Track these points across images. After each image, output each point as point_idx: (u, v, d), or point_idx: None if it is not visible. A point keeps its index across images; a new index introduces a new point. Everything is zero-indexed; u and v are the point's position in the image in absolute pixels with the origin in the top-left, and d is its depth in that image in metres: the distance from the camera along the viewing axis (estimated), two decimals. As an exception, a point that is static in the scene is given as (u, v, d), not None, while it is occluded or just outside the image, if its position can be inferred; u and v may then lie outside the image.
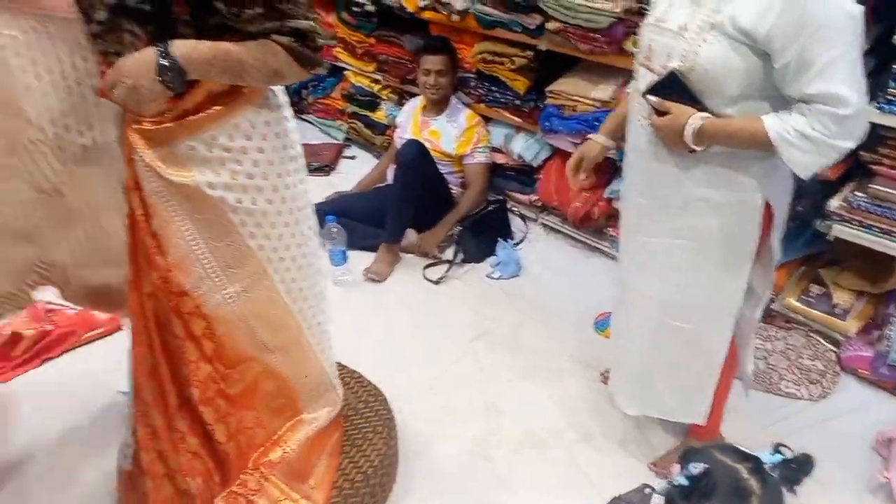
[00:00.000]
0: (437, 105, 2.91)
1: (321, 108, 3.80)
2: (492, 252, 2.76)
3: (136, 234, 1.31)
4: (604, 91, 2.50)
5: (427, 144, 2.78)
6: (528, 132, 2.87)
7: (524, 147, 2.84)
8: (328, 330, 1.57)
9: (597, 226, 2.76)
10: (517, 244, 2.84)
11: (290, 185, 1.32)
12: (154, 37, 1.11)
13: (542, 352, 2.25)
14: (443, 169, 2.86)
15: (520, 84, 2.75)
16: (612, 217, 2.68)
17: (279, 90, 1.29)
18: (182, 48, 1.09)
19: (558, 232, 2.92)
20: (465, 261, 2.74)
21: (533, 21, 2.54)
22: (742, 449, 1.37)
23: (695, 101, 1.31)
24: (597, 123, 2.48)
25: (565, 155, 2.75)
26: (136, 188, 1.25)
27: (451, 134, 2.87)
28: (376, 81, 3.43)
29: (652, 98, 1.36)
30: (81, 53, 1.33)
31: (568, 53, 2.53)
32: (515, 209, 3.02)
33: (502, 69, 2.77)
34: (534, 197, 2.93)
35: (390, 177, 2.90)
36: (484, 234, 2.79)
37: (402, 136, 2.97)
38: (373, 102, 3.47)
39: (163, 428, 1.42)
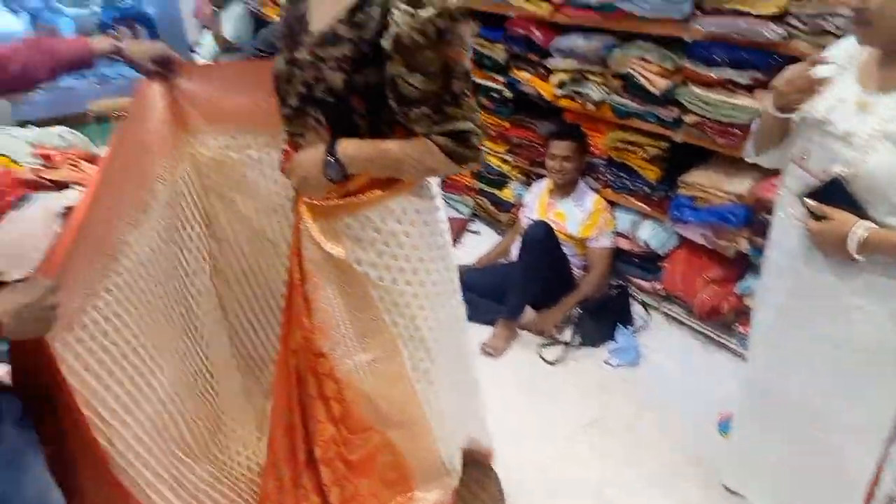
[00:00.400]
0: (564, 188, 2.96)
1: (450, 183, 3.97)
2: (611, 337, 2.72)
3: (292, 295, 1.44)
4: (739, 185, 2.46)
5: (552, 225, 2.84)
6: (656, 220, 2.85)
7: (652, 235, 2.83)
8: (457, 418, 1.58)
9: (724, 321, 2.66)
10: (637, 331, 2.79)
11: (432, 270, 1.39)
12: (333, 123, 1.26)
13: (657, 446, 2.17)
14: (566, 251, 2.89)
15: (651, 173, 2.77)
16: (742, 313, 2.58)
17: (434, 181, 1.40)
18: (347, 148, 1.24)
19: (681, 323, 2.84)
20: (582, 344, 2.72)
21: (670, 114, 2.57)
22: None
23: (857, 209, 1.27)
24: (731, 217, 2.45)
25: (693, 245, 2.72)
26: (297, 254, 1.39)
27: (577, 217, 2.91)
28: (506, 162, 3.56)
29: (811, 202, 1.33)
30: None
31: (704, 146, 2.54)
32: (637, 296, 2.98)
33: (634, 157, 2.80)
34: (658, 285, 2.89)
35: (513, 254, 2.97)
36: (603, 319, 2.76)
37: (528, 216, 3.04)
38: (501, 181, 3.59)
39: (289, 482, 1.50)
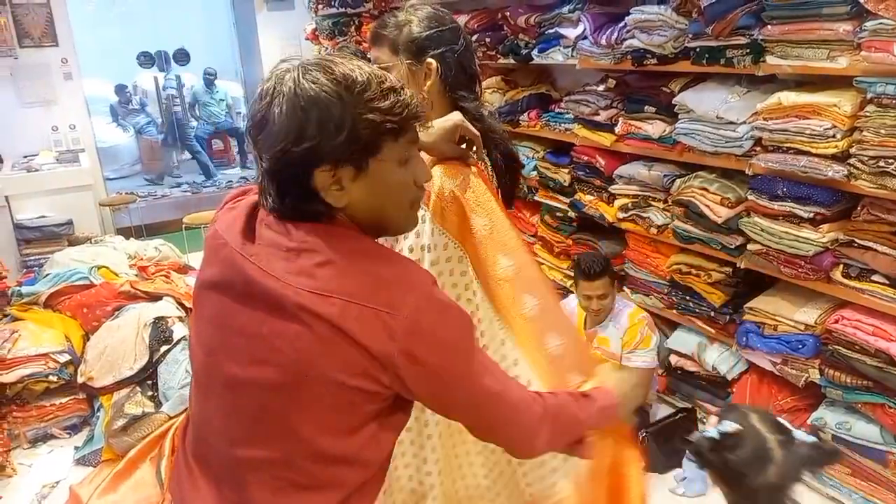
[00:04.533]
0: (601, 315, 2.88)
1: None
2: (678, 464, 2.66)
3: None
4: (808, 315, 2.45)
5: (598, 352, 2.79)
6: (723, 343, 2.84)
7: (719, 359, 2.80)
8: None
9: (798, 453, 2.57)
10: (706, 460, 2.70)
11: None
12: None
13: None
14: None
15: (715, 297, 2.78)
16: (817, 446, 2.49)
17: None
18: None
19: (753, 452, 2.74)
20: (647, 470, 2.65)
21: (733, 241, 2.62)
22: (780, 421, 1.33)
23: None
24: (800, 347, 2.43)
25: (762, 371, 2.68)
26: None
27: (617, 336, 2.83)
28: (568, 276, 3.63)
29: None
30: None
31: (769, 274, 2.56)
32: (706, 420, 2.92)
33: (698, 281, 2.83)
34: (726, 410, 2.82)
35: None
36: (669, 444, 2.71)
37: None
38: (564, 296, 3.65)
39: None
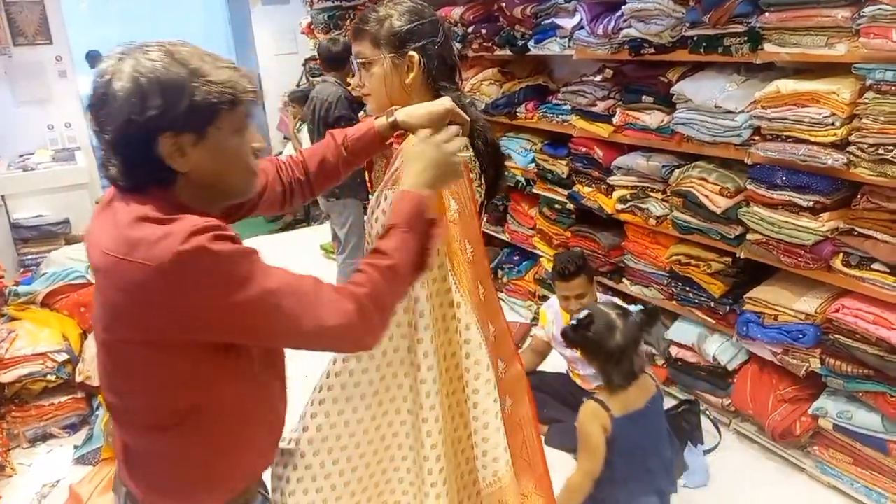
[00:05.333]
0: None
1: (513, 289, 4.05)
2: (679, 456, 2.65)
3: None
4: (808, 304, 2.43)
5: None
6: (724, 333, 2.82)
7: (720, 350, 2.79)
8: None
9: (797, 443, 2.57)
10: (708, 451, 2.70)
11: None
12: None
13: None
14: None
15: (715, 287, 2.77)
16: (817, 435, 2.48)
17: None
18: None
19: (753, 441, 2.74)
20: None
21: (732, 231, 2.60)
22: (617, 301, 2.08)
23: None
24: (801, 336, 2.41)
25: (763, 361, 2.67)
26: None
27: None
28: (569, 269, 3.62)
29: None
30: None
31: (769, 264, 2.54)
32: (708, 412, 2.91)
33: (697, 272, 2.82)
34: (727, 401, 2.82)
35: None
36: (672, 436, 2.70)
37: (562, 350, 2.87)
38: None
39: None
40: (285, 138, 6.59)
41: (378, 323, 1.11)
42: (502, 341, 1.51)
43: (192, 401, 1.06)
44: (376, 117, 1.42)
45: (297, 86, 6.42)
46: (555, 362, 3.09)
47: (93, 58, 6.87)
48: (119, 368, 1.07)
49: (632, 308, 1.96)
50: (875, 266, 2.20)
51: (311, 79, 6.19)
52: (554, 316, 2.92)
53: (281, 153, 6.17)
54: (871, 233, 2.18)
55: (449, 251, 1.38)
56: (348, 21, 5.13)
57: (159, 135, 0.97)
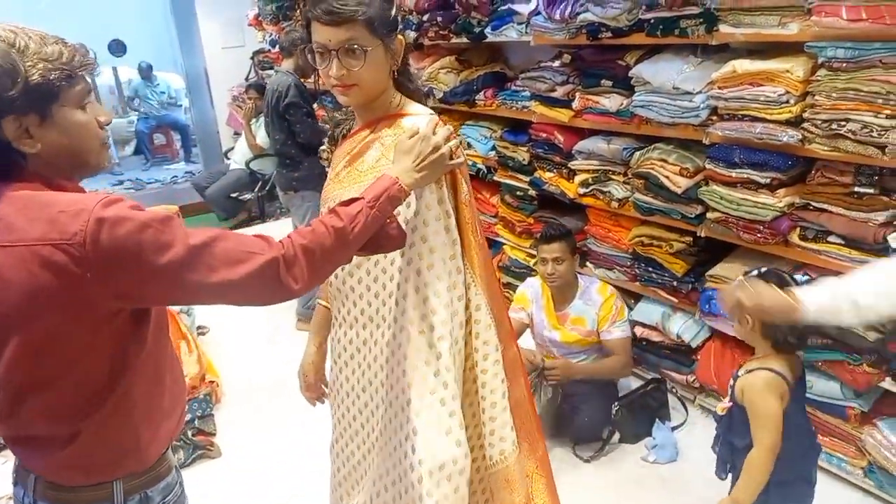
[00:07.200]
0: (565, 292, 2.84)
1: (477, 277, 4.05)
2: (648, 433, 2.70)
3: None
4: (768, 278, 2.50)
5: (574, 333, 2.79)
6: (687, 312, 2.88)
7: (683, 328, 2.85)
8: None
9: (763, 414, 2.64)
10: (677, 427, 2.76)
11: None
12: None
13: (706, 551, 2.12)
14: (592, 353, 2.84)
15: (678, 267, 2.82)
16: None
17: None
18: None
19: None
20: (621, 441, 2.69)
21: (693, 210, 2.65)
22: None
23: None
24: (761, 310, 2.48)
25: (725, 337, 2.74)
26: None
27: (592, 313, 2.80)
28: (532, 256, 3.64)
29: None
30: None
31: (729, 241, 2.60)
32: (675, 390, 2.97)
33: (660, 252, 2.87)
34: (691, 377, 2.88)
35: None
36: (641, 414, 2.75)
37: (541, 332, 2.89)
38: (527, 274, 3.65)
39: None
40: (236, 133, 6.43)
41: (300, 274, 1.11)
42: (500, 323, 1.51)
43: (114, 373, 1.08)
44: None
45: (246, 79, 6.27)
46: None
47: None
48: (40, 364, 1.05)
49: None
50: (831, 239, 2.27)
51: (259, 72, 6.06)
52: (534, 295, 2.92)
53: (232, 149, 6.01)
54: (826, 206, 2.26)
55: (462, 233, 1.40)
56: (297, 11, 5.02)
57: (1, 120, 0.98)
